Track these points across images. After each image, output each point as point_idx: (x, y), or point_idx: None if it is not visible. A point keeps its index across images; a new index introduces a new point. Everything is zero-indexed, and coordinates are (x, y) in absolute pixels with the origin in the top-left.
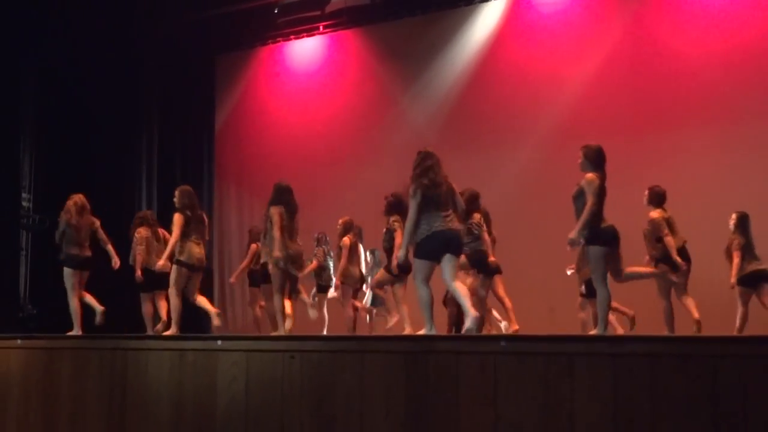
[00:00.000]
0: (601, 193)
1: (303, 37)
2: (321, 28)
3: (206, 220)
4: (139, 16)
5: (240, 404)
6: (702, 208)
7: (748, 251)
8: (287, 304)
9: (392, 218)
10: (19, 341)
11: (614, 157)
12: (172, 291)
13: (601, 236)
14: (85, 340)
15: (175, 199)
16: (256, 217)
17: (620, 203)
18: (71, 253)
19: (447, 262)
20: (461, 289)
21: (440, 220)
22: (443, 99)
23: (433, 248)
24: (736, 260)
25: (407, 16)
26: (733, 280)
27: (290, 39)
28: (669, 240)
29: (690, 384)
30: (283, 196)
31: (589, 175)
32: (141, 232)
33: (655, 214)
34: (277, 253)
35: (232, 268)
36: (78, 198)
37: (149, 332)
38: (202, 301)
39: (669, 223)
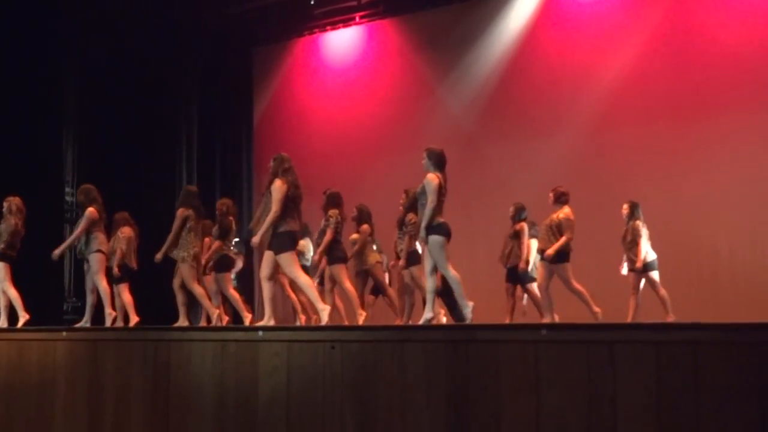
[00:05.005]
0: (439, 192)
1: (339, 27)
2: (357, 18)
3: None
4: (177, 10)
5: (281, 394)
6: (742, 196)
7: (647, 239)
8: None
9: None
10: (64, 333)
11: (654, 144)
12: (99, 278)
13: (438, 228)
14: (129, 331)
15: (81, 198)
16: None
17: (662, 189)
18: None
19: (293, 257)
20: (309, 282)
21: (295, 219)
22: (480, 88)
23: (292, 242)
24: (641, 246)
25: (443, 5)
26: (639, 265)
27: (326, 30)
28: (570, 238)
29: (735, 371)
30: (191, 199)
31: (430, 175)
32: (125, 231)
33: (570, 213)
34: (185, 251)
35: None
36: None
37: (133, 320)
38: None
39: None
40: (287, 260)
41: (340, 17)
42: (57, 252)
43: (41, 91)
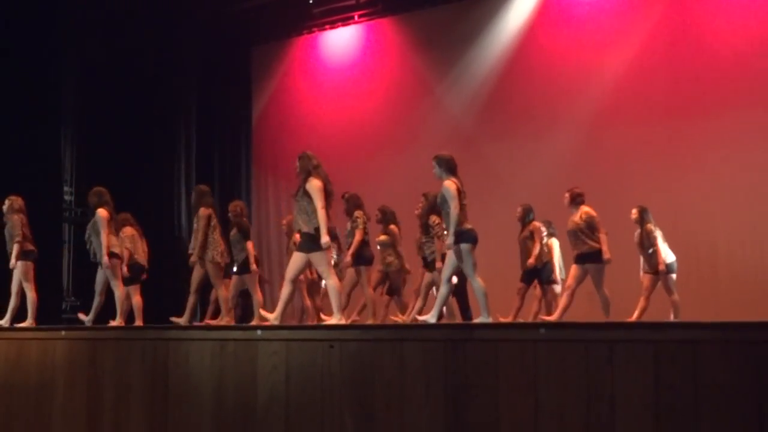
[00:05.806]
0: (459, 197)
1: (338, 26)
2: (356, 17)
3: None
4: (176, 9)
5: (280, 393)
6: (742, 194)
7: (663, 241)
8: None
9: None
10: (63, 332)
11: (653, 142)
12: (117, 285)
13: (466, 235)
14: (128, 331)
15: (94, 199)
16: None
17: (661, 188)
18: None
19: (325, 255)
20: (339, 287)
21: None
22: (479, 87)
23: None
24: (659, 248)
25: (442, 4)
26: (662, 268)
27: (325, 29)
28: (605, 236)
29: (734, 370)
30: (206, 198)
31: (446, 182)
32: (127, 231)
33: (592, 211)
34: (215, 251)
35: (271, 257)
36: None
37: (138, 322)
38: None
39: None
40: (319, 258)
41: (338, 16)
42: (105, 260)
43: (40, 91)
